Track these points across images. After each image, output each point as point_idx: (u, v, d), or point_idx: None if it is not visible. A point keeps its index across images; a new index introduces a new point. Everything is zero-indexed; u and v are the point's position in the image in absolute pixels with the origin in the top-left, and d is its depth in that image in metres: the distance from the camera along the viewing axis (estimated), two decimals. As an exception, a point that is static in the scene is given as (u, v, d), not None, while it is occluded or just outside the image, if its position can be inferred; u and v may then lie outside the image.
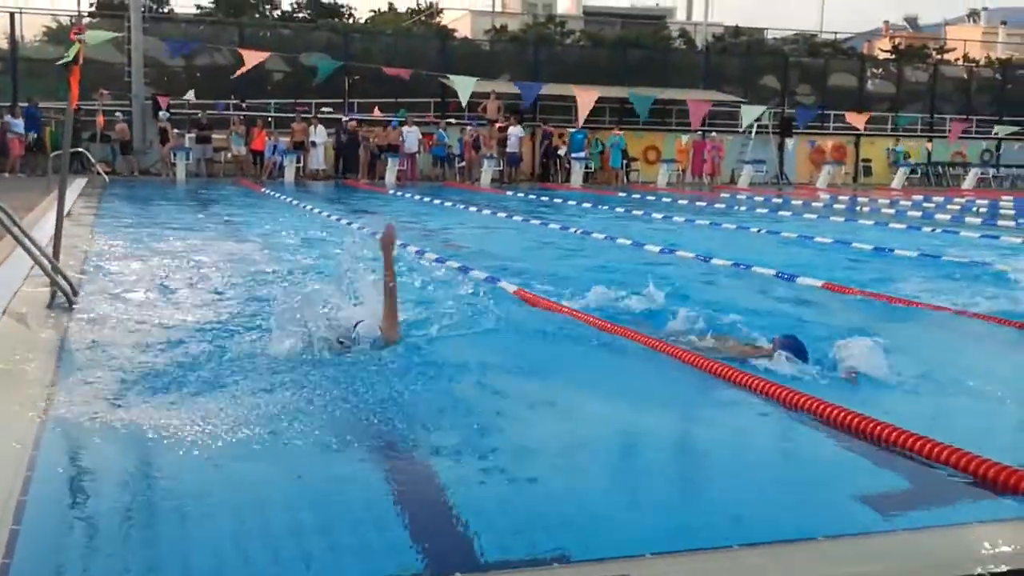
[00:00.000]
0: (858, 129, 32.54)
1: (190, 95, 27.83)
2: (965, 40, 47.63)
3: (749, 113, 29.05)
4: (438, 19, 42.45)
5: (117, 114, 27.25)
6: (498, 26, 40.11)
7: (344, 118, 28.77)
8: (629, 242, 13.55)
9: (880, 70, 41.01)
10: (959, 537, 3.49)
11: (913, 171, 33.84)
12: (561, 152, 30.61)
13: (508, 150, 29.15)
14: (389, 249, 6.04)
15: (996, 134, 34.31)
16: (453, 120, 30.49)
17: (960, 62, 43.38)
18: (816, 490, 4.17)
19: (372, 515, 3.69)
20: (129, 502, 3.70)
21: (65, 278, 7.63)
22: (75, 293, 7.60)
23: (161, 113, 27.05)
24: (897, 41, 47.27)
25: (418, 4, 43.04)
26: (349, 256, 7.12)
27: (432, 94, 31.62)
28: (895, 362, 5.94)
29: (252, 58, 26.12)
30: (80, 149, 22.20)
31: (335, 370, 5.66)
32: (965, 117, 36.02)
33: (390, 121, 29.10)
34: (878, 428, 4.58)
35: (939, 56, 43.91)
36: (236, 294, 8.55)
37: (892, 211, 21.23)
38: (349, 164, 28.59)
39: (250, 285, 9.11)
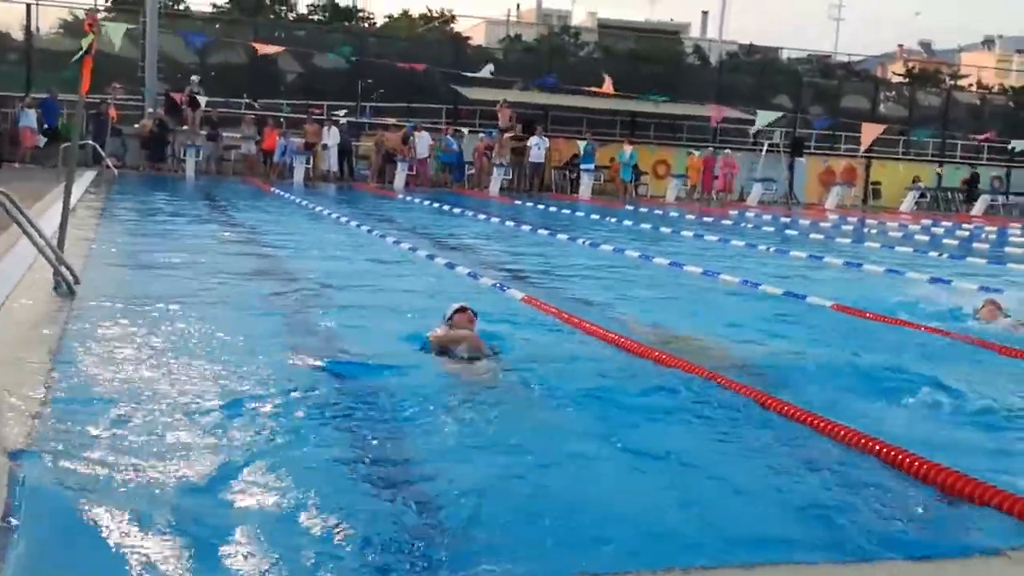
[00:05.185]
0: (870, 150, 32.44)
1: (194, 79, 27.63)
2: (979, 67, 47.59)
3: (763, 118, 29.19)
4: (452, 26, 42.33)
5: (149, 110, 27.16)
6: (512, 35, 40.09)
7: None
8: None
9: (893, 93, 40.93)
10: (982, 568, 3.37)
11: (923, 195, 33.70)
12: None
13: (531, 160, 28.94)
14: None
15: (1012, 149, 33.92)
16: (465, 129, 30.37)
17: (973, 88, 43.30)
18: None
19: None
20: (126, 482, 3.60)
21: (68, 267, 7.61)
22: (77, 282, 7.56)
23: (203, 100, 26.97)
24: (911, 65, 47.24)
25: (429, 11, 42.88)
26: None
27: (444, 100, 31.57)
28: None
29: (266, 50, 26.34)
30: (90, 142, 22.13)
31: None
32: (983, 135, 35.59)
33: (403, 125, 28.98)
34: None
35: (952, 81, 43.84)
36: (236, 287, 8.52)
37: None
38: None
39: (251, 278, 9.11)
